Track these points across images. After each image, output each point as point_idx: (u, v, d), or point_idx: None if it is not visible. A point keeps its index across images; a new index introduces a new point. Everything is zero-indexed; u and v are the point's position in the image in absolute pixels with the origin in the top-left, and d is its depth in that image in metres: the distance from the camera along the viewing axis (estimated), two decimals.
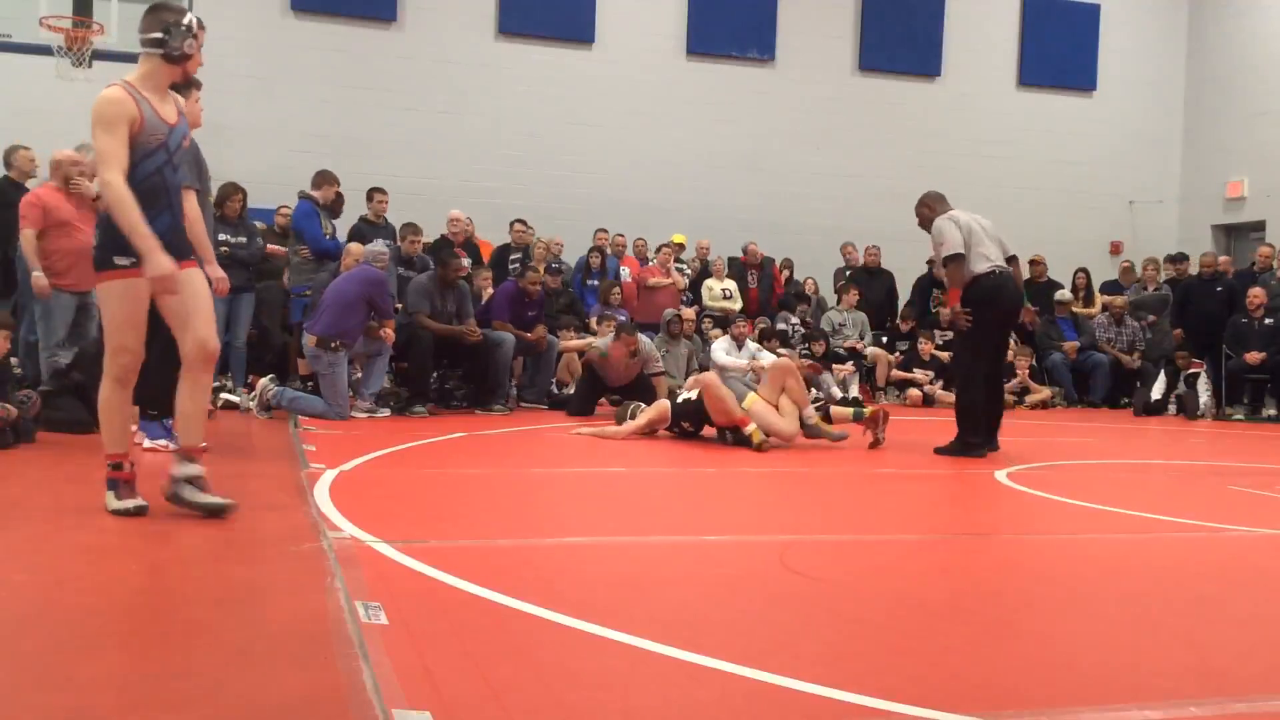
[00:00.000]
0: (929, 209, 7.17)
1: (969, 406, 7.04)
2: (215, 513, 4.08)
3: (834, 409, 7.73)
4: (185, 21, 4.13)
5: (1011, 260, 7.09)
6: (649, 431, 7.51)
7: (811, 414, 7.12)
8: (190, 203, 5.16)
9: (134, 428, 5.74)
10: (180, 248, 4.22)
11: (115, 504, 4.14)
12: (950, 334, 12.02)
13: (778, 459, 6.67)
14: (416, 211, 10.84)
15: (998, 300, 6.95)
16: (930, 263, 12.87)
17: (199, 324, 4.12)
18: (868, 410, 7.57)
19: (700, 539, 4.17)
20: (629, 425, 7.47)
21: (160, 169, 4.10)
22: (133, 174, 4.01)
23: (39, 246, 7.46)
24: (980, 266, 6.87)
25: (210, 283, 5.68)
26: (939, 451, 7.00)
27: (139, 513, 4.10)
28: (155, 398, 5.93)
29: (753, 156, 14.23)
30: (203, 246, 5.29)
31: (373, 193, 10.22)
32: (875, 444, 7.23)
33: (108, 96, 4.02)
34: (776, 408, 7.09)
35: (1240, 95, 15.07)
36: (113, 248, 4.06)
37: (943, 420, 9.24)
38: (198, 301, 4.17)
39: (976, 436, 6.95)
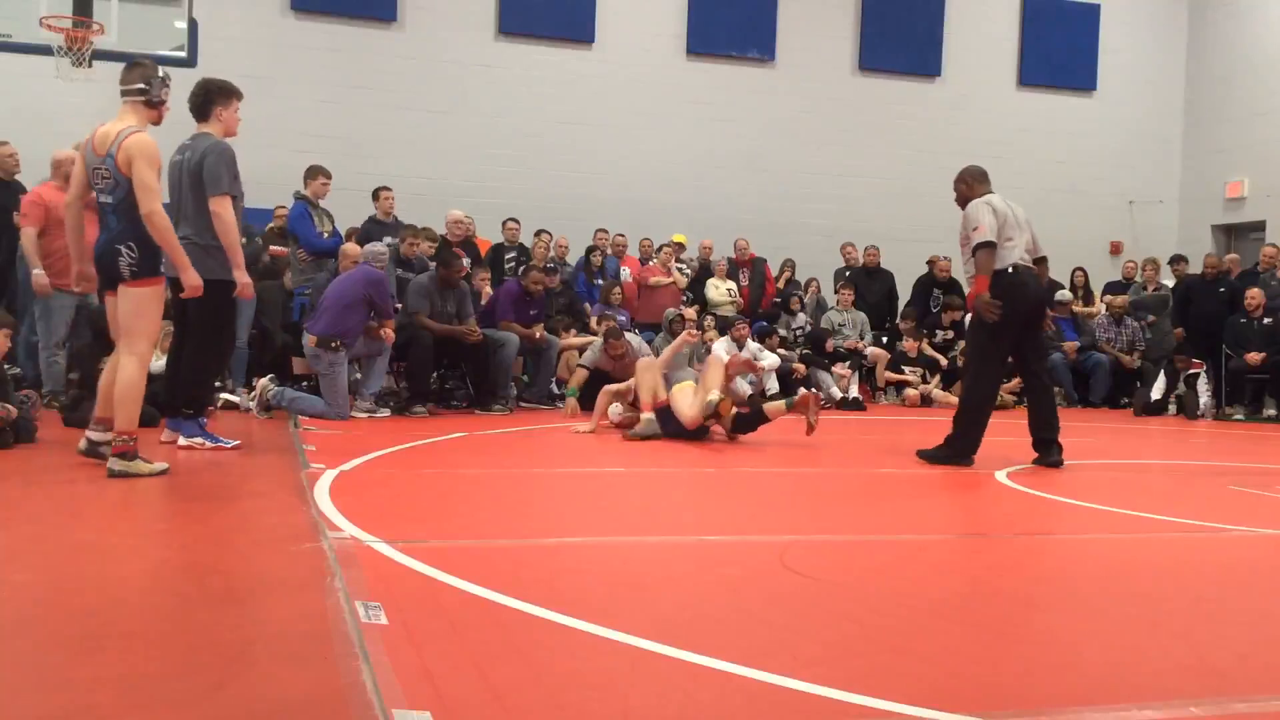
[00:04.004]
0: (966, 185, 6.76)
1: (968, 408, 6.61)
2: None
3: (767, 405, 7.64)
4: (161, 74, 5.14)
5: (1040, 261, 6.64)
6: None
7: (714, 396, 7.16)
8: (226, 208, 5.89)
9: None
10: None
11: (147, 468, 4.91)
12: (950, 333, 12.04)
13: (778, 459, 6.67)
14: (417, 212, 10.84)
15: (1015, 300, 6.37)
16: (930, 262, 12.89)
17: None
18: (796, 398, 7.47)
19: (700, 539, 4.16)
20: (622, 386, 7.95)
21: None
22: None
23: (40, 245, 7.46)
24: (1001, 263, 6.40)
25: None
26: (922, 456, 6.61)
27: (164, 472, 4.94)
28: (191, 397, 6.04)
29: (753, 156, 14.23)
30: (233, 251, 5.66)
31: (379, 191, 10.21)
32: (809, 429, 7.14)
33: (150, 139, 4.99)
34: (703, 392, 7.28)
35: (1240, 95, 15.06)
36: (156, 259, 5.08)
37: (940, 420, 9.23)
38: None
39: (964, 442, 6.46)
